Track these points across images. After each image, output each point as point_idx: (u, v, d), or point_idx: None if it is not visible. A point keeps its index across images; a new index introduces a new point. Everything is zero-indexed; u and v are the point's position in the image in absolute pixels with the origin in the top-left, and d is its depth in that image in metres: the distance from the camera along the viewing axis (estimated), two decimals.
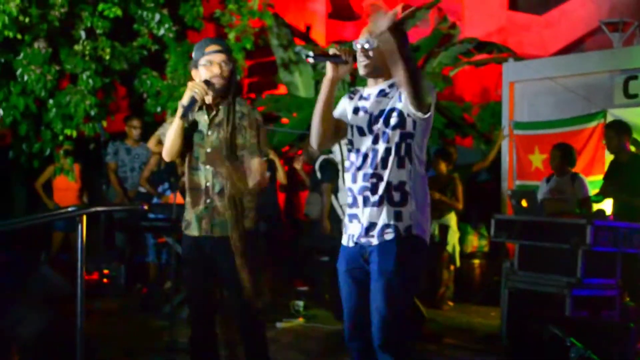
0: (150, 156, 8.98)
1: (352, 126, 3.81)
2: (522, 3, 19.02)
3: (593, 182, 7.88)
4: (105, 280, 8.55)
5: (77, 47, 8.94)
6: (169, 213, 7.01)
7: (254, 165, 4.34)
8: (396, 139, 3.66)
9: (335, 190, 7.90)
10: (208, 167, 4.37)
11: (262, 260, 4.05)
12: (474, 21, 17.09)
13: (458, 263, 8.85)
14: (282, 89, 13.12)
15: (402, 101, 3.65)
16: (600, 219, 6.55)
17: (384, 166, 3.67)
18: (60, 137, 8.95)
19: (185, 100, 4.24)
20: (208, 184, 4.38)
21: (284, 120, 11.96)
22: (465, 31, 15.84)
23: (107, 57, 9.01)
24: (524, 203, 6.99)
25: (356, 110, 3.83)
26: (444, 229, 8.77)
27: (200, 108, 4.43)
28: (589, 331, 5.62)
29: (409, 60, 3.46)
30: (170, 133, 4.36)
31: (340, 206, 7.76)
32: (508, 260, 7.08)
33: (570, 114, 8.91)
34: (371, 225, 3.68)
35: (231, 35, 10.03)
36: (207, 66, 4.37)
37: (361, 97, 3.85)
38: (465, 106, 13.35)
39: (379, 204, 3.66)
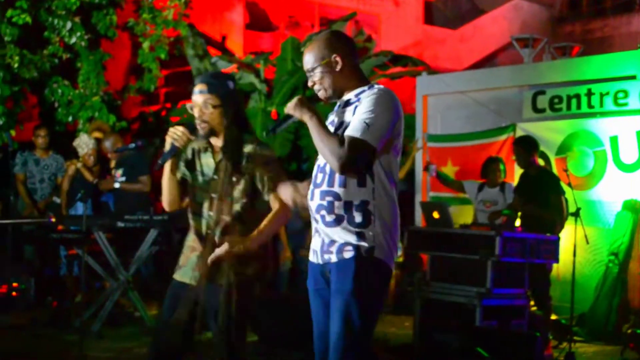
0: (64, 169, 8.75)
1: None
2: (437, 18, 19.38)
3: None
4: (14, 293, 8.31)
5: None
6: (80, 225, 6.88)
7: (275, 206, 3.85)
8: None
9: None
10: (211, 214, 3.89)
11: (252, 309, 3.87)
12: (390, 34, 17.33)
13: None
14: None
15: (354, 115, 3.35)
16: (509, 230, 6.71)
17: (342, 184, 3.33)
18: None
19: (166, 147, 3.83)
20: (209, 231, 3.91)
21: None
22: (382, 44, 16.05)
23: (16, 65, 8.81)
24: (435, 215, 7.10)
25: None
26: None
27: (207, 149, 3.95)
28: (497, 340, 5.75)
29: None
30: (164, 183, 3.95)
31: None
32: (421, 271, 7.18)
33: (481, 127, 9.11)
34: (331, 242, 3.36)
35: (145, 45, 9.93)
36: (193, 108, 3.89)
37: (337, 107, 3.55)
38: None
39: (337, 223, 3.34)
